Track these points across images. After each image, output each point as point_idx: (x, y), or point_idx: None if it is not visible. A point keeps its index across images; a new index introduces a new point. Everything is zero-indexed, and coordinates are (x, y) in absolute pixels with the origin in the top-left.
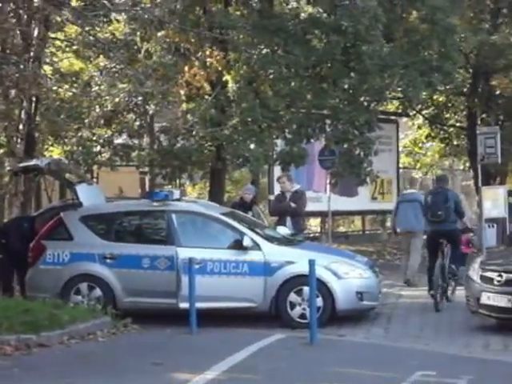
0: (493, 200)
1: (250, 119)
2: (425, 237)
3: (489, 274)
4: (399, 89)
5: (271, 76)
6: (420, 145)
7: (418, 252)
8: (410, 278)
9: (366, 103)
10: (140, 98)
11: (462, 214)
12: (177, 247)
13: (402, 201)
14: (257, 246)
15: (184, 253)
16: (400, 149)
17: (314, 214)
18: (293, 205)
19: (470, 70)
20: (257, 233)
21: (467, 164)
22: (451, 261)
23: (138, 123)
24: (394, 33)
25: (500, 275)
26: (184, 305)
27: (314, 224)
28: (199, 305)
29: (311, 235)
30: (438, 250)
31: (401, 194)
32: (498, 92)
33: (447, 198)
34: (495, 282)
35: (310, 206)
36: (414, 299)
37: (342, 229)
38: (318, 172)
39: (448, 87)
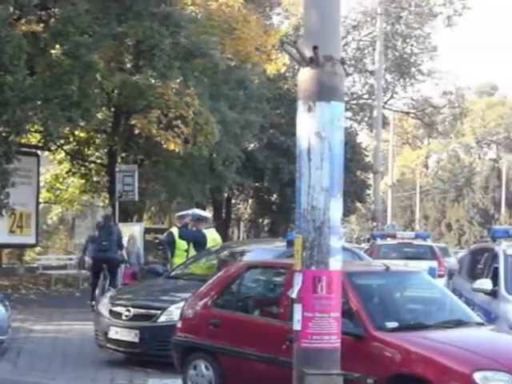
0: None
1: None
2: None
3: (118, 309)
4: (40, 122)
5: None
6: (61, 180)
7: None
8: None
9: (4, 134)
10: None
11: (121, 246)
12: None
13: (89, 240)
14: None
15: None
16: (42, 183)
17: None
18: None
19: (112, 109)
20: None
21: (107, 201)
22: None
23: None
24: (37, 65)
25: (128, 310)
26: None
27: None
28: None
29: None
30: (101, 273)
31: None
32: (137, 132)
33: (111, 232)
34: (123, 317)
35: None
36: (46, 333)
37: None
38: None
39: (91, 124)
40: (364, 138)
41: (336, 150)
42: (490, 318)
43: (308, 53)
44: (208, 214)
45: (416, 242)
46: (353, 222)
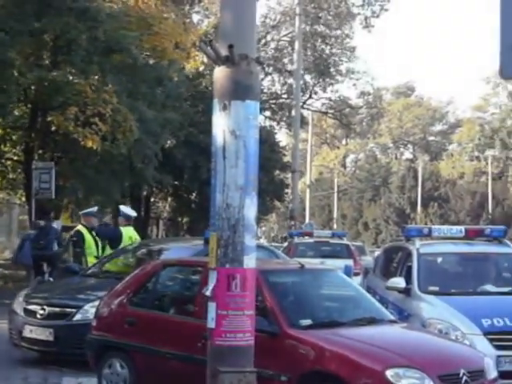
0: None
1: None
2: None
3: (32, 307)
4: None
5: None
6: None
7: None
8: None
9: None
10: None
11: (60, 244)
12: None
13: (26, 239)
14: None
15: None
16: None
17: None
18: None
19: (29, 105)
20: None
21: (23, 198)
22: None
23: None
24: None
25: (43, 308)
26: None
27: None
28: None
29: None
30: (40, 269)
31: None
32: (54, 128)
33: (49, 232)
34: (38, 316)
35: None
36: None
37: None
38: None
39: (7, 120)
40: (283, 137)
41: (251, 149)
42: (403, 315)
43: (224, 51)
44: (133, 212)
45: (333, 240)
46: (272, 220)
